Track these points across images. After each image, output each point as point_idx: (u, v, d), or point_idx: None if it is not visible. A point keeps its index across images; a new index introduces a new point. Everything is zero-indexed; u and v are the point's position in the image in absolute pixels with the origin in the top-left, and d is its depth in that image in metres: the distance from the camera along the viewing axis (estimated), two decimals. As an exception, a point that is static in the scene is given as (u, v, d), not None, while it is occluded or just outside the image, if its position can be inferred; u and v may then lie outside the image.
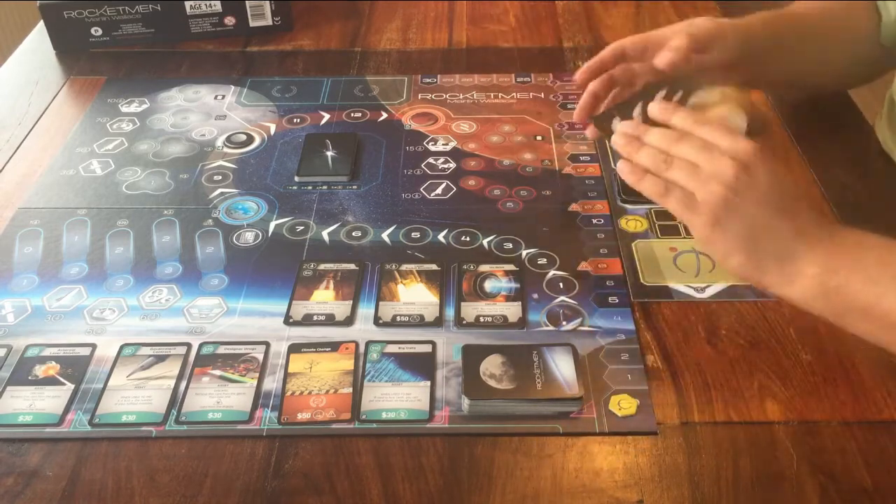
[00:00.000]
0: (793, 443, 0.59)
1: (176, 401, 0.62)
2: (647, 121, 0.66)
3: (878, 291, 0.55)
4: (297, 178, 0.85)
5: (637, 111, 0.69)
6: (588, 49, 1.08)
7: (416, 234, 0.78)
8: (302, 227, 0.79)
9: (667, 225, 0.78)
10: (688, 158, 0.60)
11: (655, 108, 0.65)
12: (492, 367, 0.63)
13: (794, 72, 0.83)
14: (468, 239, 0.77)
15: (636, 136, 0.64)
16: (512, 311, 0.69)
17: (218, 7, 1.09)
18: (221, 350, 0.66)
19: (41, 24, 1.10)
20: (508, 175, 0.86)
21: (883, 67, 0.88)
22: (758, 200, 0.58)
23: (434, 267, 0.74)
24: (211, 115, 0.96)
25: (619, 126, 0.66)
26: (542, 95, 0.98)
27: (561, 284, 0.72)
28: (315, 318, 0.69)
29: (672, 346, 0.66)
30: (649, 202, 0.80)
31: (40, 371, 0.65)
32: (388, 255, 0.76)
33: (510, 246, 0.76)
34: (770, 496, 0.56)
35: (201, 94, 1.00)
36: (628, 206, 0.81)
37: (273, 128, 0.94)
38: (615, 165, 0.86)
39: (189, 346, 0.67)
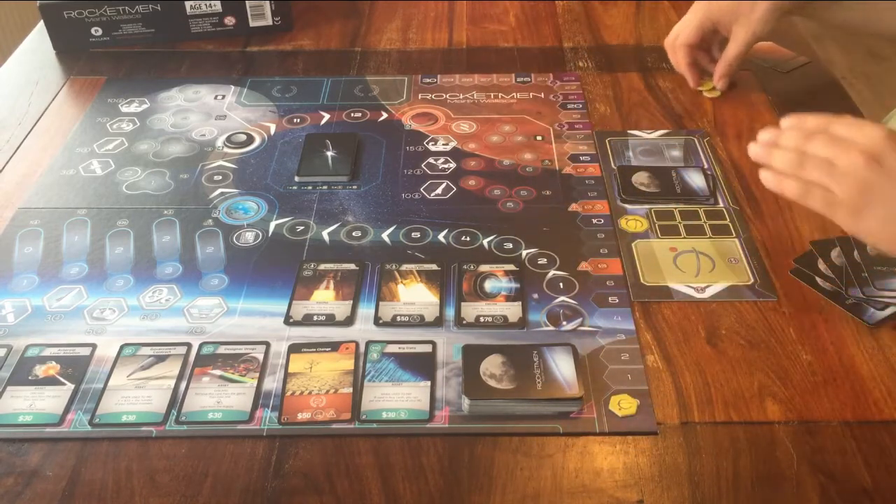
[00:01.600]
0: (793, 443, 0.59)
1: (176, 401, 0.62)
2: None
3: None
4: (297, 178, 0.85)
5: None
6: (588, 49, 1.08)
7: (416, 234, 0.78)
8: (302, 227, 0.79)
9: (667, 225, 0.78)
10: (821, 156, 0.62)
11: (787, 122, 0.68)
12: (492, 367, 0.63)
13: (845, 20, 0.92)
14: (468, 239, 0.77)
15: (772, 142, 0.67)
16: (512, 311, 0.69)
17: (218, 7, 1.09)
18: (221, 350, 0.66)
19: (41, 24, 1.10)
20: (508, 175, 0.86)
21: None
22: (893, 183, 0.60)
23: (434, 267, 0.74)
24: (211, 115, 0.96)
25: (759, 135, 0.68)
26: (542, 95, 0.98)
27: (561, 284, 0.72)
28: (315, 318, 0.69)
29: (672, 346, 0.66)
30: (649, 202, 0.81)
31: (40, 371, 0.65)
32: (389, 255, 0.76)
33: (510, 246, 0.76)
34: (770, 496, 0.56)
35: (201, 94, 1.00)
36: (628, 206, 0.81)
37: (273, 128, 0.94)
38: (615, 164, 0.86)
39: (189, 346, 0.67)
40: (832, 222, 0.77)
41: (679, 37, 0.95)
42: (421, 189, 0.84)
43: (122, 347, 0.67)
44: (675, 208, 0.80)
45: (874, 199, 0.61)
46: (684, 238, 0.76)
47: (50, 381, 0.64)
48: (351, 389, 0.63)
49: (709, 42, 0.96)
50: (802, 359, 0.65)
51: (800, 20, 0.96)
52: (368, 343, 0.67)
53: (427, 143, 0.91)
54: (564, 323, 0.68)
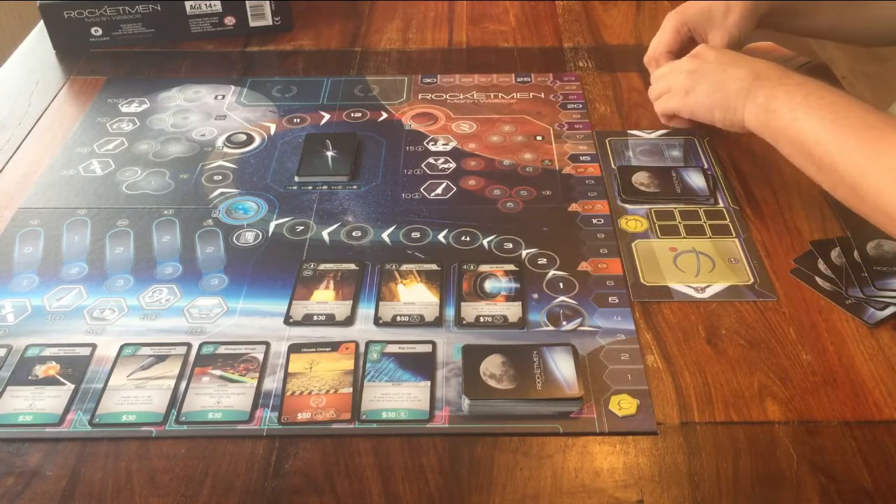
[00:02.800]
0: (793, 443, 0.59)
1: (176, 401, 0.62)
2: None
3: (796, 116, 0.69)
4: (297, 178, 0.85)
5: None
6: (588, 49, 1.08)
7: (416, 234, 0.78)
8: (302, 227, 0.79)
9: (667, 225, 0.78)
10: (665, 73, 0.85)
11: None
12: (492, 367, 0.63)
13: (824, 25, 0.91)
14: (468, 239, 0.77)
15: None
16: (512, 311, 0.69)
17: (218, 7, 1.09)
18: (221, 350, 0.66)
19: (41, 24, 1.10)
20: (508, 175, 0.86)
21: None
22: (713, 65, 0.79)
23: (434, 267, 0.74)
24: (211, 115, 0.96)
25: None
26: (542, 95, 0.98)
27: (561, 284, 0.72)
28: (315, 318, 0.69)
29: (672, 346, 0.66)
30: (649, 202, 0.81)
31: (40, 371, 0.65)
32: (388, 255, 0.76)
33: (510, 246, 0.76)
34: (770, 496, 0.56)
35: (201, 94, 1.00)
36: (628, 206, 0.81)
37: (273, 128, 0.94)
38: (615, 164, 0.86)
39: (189, 346, 0.67)
40: (832, 222, 0.77)
41: (658, 47, 0.89)
42: (421, 189, 0.84)
43: (122, 347, 0.67)
44: (675, 208, 0.80)
45: (698, 78, 0.79)
46: (684, 238, 0.76)
47: (50, 381, 0.64)
48: (351, 389, 0.63)
49: (686, 51, 0.87)
50: (802, 359, 0.65)
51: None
52: (368, 343, 0.67)
53: (427, 143, 0.91)
54: (564, 323, 0.68)
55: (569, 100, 0.97)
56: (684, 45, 0.88)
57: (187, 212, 0.81)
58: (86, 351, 0.66)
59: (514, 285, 0.72)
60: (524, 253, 0.75)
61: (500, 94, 0.99)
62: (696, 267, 0.73)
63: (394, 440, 0.60)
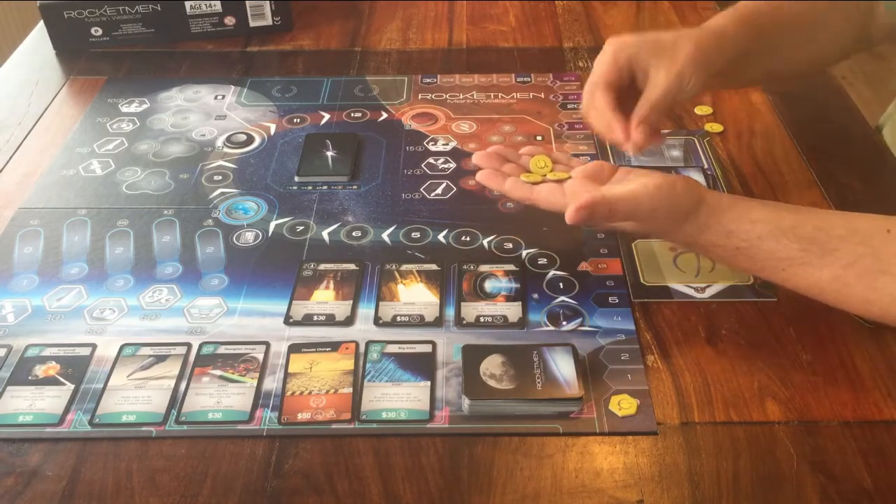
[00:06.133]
0: (793, 443, 0.59)
1: (176, 401, 0.62)
2: None
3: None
4: (297, 178, 0.85)
5: None
6: (588, 49, 1.08)
7: (416, 234, 0.78)
8: (302, 227, 0.79)
9: (667, 225, 0.78)
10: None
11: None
12: (492, 367, 0.63)
13: (774, 67, 0.81)
14: (468, 239, 0.77)
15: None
16: (512, 311, 0.69)
17: (218, 7, 1.09)
18: (221, 350, 0.66)
19: (41, 24, 1.10)
20: (508, 175, 0.85)
21: (868, 42, 0.84)
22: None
23: (434, 267, 0.74)
24: (211, 115, 0.96)
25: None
26: (542, 95, 0.98)
27: (561, 284, 0.72)
28: (315, 318, 0.69)
29: (672, 346, 0.66)
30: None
31: (40, 371, 0.65)
32: (388, 255, 0.76)
33: (510, 246, 0.76)
34: (770, 496, 0.56)
35: (201, 94, 1.00)
36: (628, 206, 0.80)
37: (273, 128, 0.94)
38: (614, 164, 0.86)
39: (189, 346, 0.67)
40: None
41: (593, 78, 0.72)
42: (421, 189, 0.84)
43: (122, 347, 0.67)
44: (675, 208, 0.80)
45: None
46: (684, 238, 0.76)
47: (50, 381, 0.64)
48: (351, 389, 0.63)
49: (625, 87, 0.72)
50: (802, 359, 0.65)
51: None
52: (368, 343, 0.67)
53: (427, 143, 0.91)
54: (564, 323, 0.68)
55: (569, 100, 0.97)
56: (623, 78, 0.71)
57: (187, 212, 0.81)
58: (86, 351, 0.66)
59: (514, 285, 0.72)
60: (524, 253, 0.75)
61: (500, 94, 0.99)
62: (696, 267, 0.73)
63: (394, 440, 0.60)
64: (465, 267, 0.74)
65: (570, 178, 0.69)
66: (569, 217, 0.62)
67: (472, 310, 0.70)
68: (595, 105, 0.71)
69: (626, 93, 0.72)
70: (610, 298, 0.70)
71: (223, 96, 0.99)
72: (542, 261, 0.74)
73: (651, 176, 0.65)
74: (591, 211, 0.62)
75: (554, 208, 0.66)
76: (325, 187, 0.84)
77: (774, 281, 0.64)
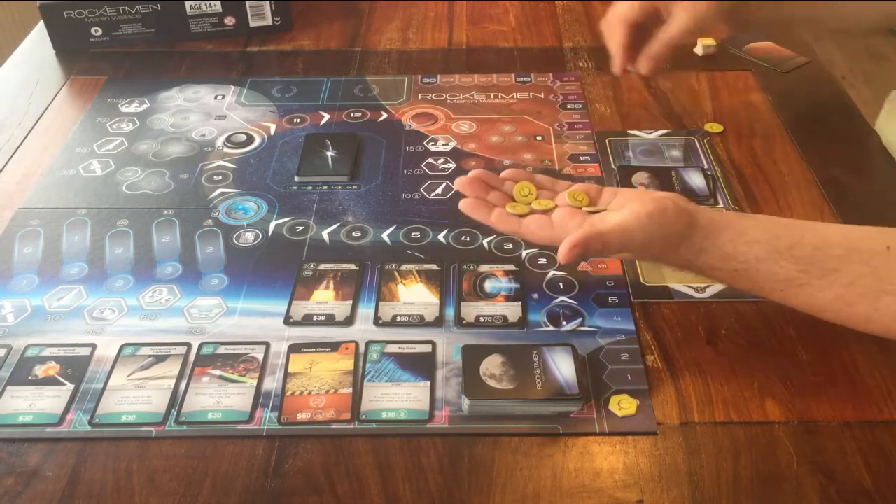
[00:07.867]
0: (793, 443, 0.59)
1: (176, 401, 0.62)
2: None
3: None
4: (297, 178, 0.85)
5: None
6: (588, 49, 1.08)
7: (416, 234, 0.78)
8: (302, 227, 0.79)
9: (667, 225, 0.78)
10: None
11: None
12: (492, 367, 0.63)
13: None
14: (468, 239, 0.77)
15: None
16: (512, 311, 0.69)
17: (218, 7, 1.09)
18: (221, 350, 0.66)
19: (41, 24, 1.10)
20: (508, 175, 0.85)
21: None
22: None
23: (434, 267, 0.74)
24: (211, 115, 0.96)
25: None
26: (542, 95, 0.98)
27: (561, 284, 0.72)
28: (315, 318, 0.69)
29: (672, 346, 0.66)
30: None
31: (40, 371, 0.65)
32: (388, 255, 0.76)
33: (510, 246, 0.76)
34: (770, 496, 0.56)
35: (201, 94, 1.00)
36: (628, 206, 0.80)
37: (273, 128, 0.94)
38: (615, 164, 0.86)
39: (189, 346, 0.67)
40: (831, 222, 0.77)
41: (616, 12, 0.83)
42: (421, 189, 0.84)
43: (121, 347, 0.67)
44: (675, 208, 0.80)
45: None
46: (684, 238, 0.76)
47: (50, 381, 0.64)
48: (351, 389, 0.63)
49: (649, 27, 0.82)
50: (802, 359, 0.65)
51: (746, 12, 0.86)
52: (368, 343, 0.67)
53: (427, 143, 0.91)
54: (564, 323, 0.68)
55: (569, 100, 0.97)
56: (647, 17, 0.82)
57: (187, 212, 0.81)
58: (86, 351, 0.66)
59: (513, 285, 0.72)
60: (524, 253, 0.75)
61: (500, 94, 0.99)
62: (696, 267, 0.73)
63: (394, 440, 0.60)
64: (464, 267, 0.74)
65: (556, 206, 0.67)
66: (562, 257, 0.61)
67: (471, 310, 0.70)
68: (609, 35, 0.84)
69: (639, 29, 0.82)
70: (610, 298, 0.70)
71: (223, 96, 0.99)
72: (542, 261, 0.74)
73: (640, 200, 0.64)
74: (585, 248, 0.61)
75: (543, 242, 0.66)
76: (325, 187, 0.84)
77: (774, 300, 0.63)
